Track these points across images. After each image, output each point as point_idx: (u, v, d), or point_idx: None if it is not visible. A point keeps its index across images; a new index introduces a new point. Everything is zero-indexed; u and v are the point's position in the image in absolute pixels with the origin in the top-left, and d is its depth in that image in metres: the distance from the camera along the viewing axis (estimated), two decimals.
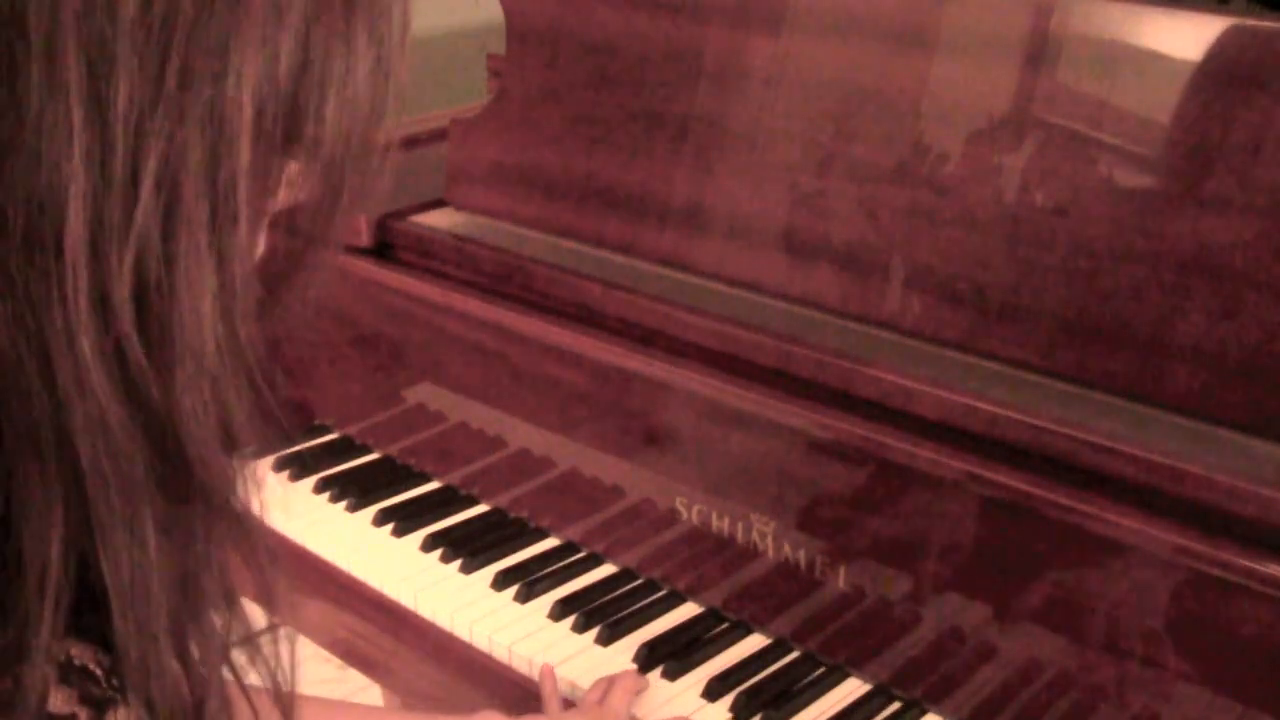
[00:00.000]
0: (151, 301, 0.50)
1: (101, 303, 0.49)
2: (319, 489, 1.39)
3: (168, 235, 0.49)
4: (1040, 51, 1.04)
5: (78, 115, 0.47)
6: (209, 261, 0.50)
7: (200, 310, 0.51)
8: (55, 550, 0.51)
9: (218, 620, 0.59)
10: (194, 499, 0.54)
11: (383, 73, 0.57)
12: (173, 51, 0.48)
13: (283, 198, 0.55)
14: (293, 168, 0.55)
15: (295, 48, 0.52)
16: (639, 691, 1.09)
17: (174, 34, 0.48)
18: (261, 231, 0.55)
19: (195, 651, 0.57)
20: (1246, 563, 0.88)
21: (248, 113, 0.50)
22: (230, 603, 0.60)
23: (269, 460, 1.44)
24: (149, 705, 0.55)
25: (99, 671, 0.55)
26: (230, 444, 0.54)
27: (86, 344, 0.49)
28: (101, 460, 0.50)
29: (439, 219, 1.40)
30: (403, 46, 0.58)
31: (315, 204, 0.56)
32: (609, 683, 1.08)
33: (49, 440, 0.50)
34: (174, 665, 0.56)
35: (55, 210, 0.48)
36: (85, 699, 0.55)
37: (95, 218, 0.48)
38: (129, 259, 0.49)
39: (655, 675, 1.12)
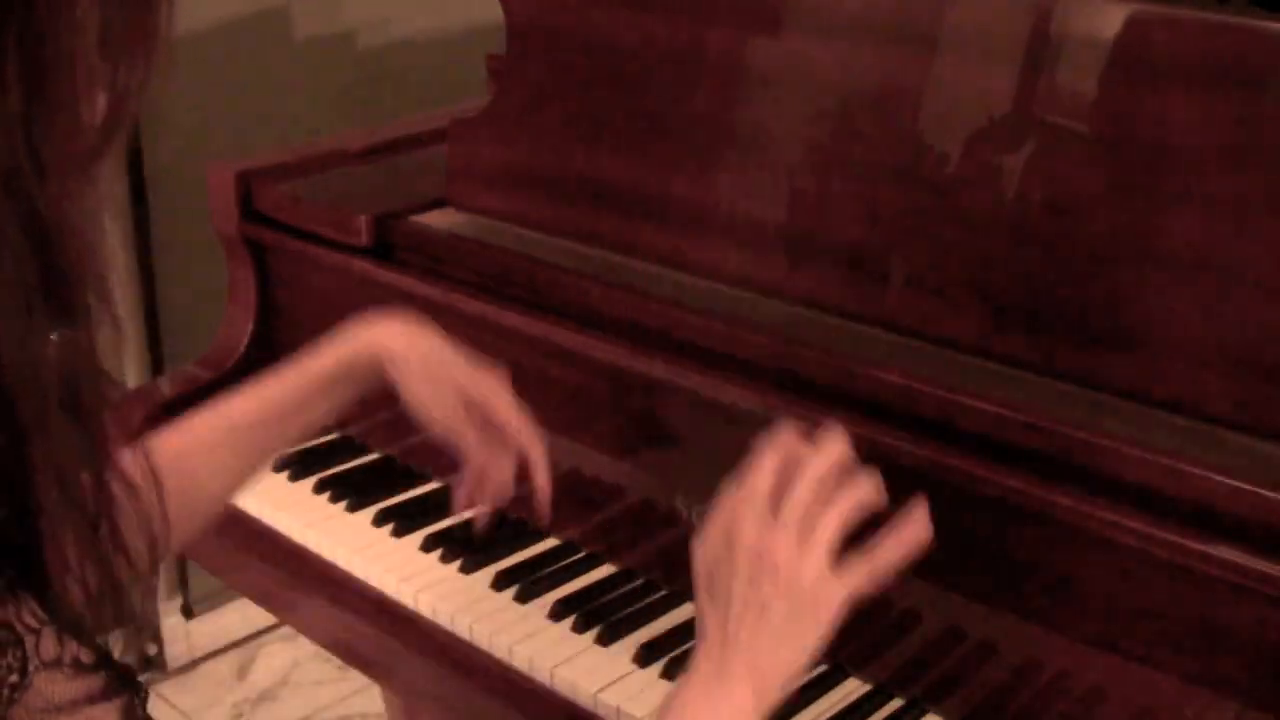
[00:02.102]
0: (32, 127, 0.58)
1: None
2: (319, 489, 1.39)
3: (37, 74, 0.58)
4: (1040, 51, 1.04)
5: None
6: (67, 113, 0.59)
7: (72, 134, 0.59)
8: None
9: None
10: (74, 313, 0.60)
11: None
12: None
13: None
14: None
15: None
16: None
17: None
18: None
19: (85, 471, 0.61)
20: (1246, 563, 0.88)
21: None
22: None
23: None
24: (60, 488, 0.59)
25: None
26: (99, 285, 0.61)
27: None
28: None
29: (439, 219, 1.40)
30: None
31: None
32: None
33: None
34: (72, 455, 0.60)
35: None
36: None
37: None
38: (14, 80, 0.56)
39: (655, 675, 1.12)
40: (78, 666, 0.58)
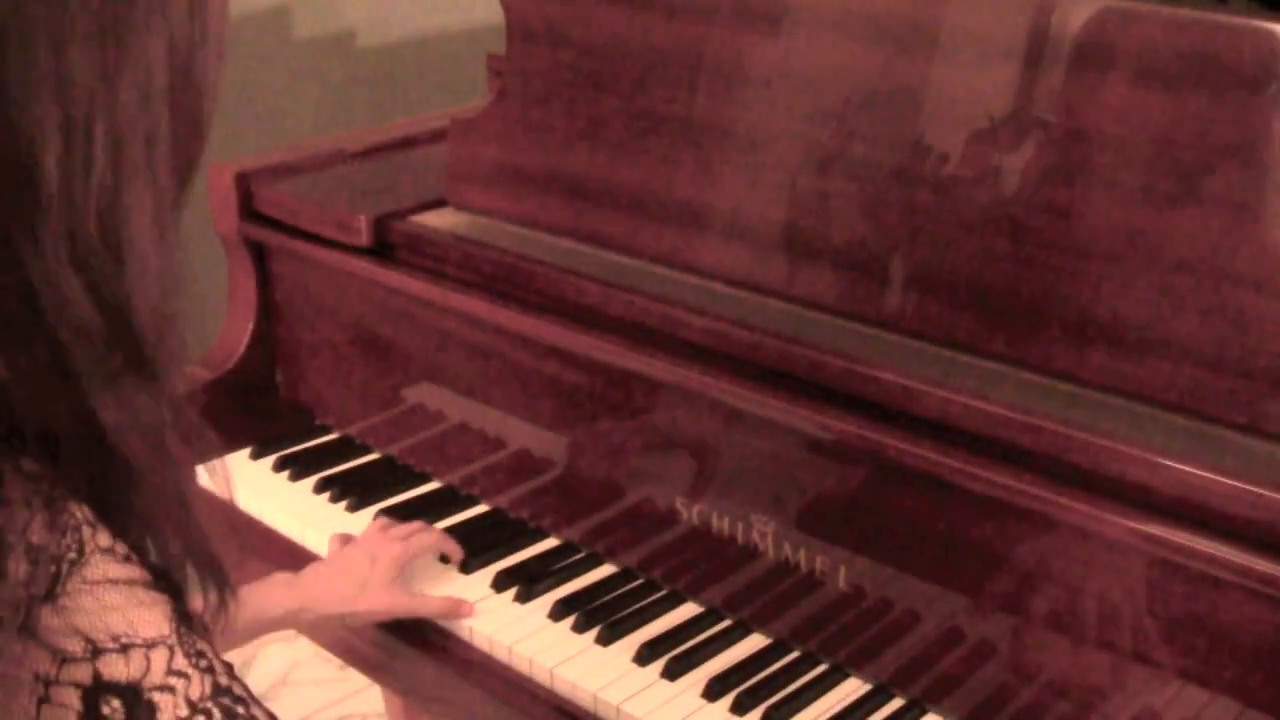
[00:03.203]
0: (109, 226, 0.62)
1: (73, 234, 0.61)
2: (319, 489, 1.39)
3: (118, 175, 0.62)
4: (1040, 51, 1.04)
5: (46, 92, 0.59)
6: (147, 189, 0.64)
7: (144, 225, 0.64)
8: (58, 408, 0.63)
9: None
10: (145, 369, 0.65)
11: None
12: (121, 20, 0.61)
13: None
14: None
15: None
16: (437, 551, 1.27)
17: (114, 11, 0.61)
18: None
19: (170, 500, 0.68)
20: (1245, 563, 0.88)
21: (159, 80, 0.64)
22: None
23: (269, 460, 1.44)
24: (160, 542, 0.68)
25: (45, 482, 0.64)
26: (172, 337, 0.66)
27: (64, 261, 0.61)
28: (77, 338, 0.62)
29: (439, 219, 1.40)
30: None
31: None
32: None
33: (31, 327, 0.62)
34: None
35: (35, 168, 0.59)
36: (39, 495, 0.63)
37: (66, 171, 0.60)
38: (93, 200, 0.61)
39: (655, 675, 1.12)
40: (128, 558, 0.64)
